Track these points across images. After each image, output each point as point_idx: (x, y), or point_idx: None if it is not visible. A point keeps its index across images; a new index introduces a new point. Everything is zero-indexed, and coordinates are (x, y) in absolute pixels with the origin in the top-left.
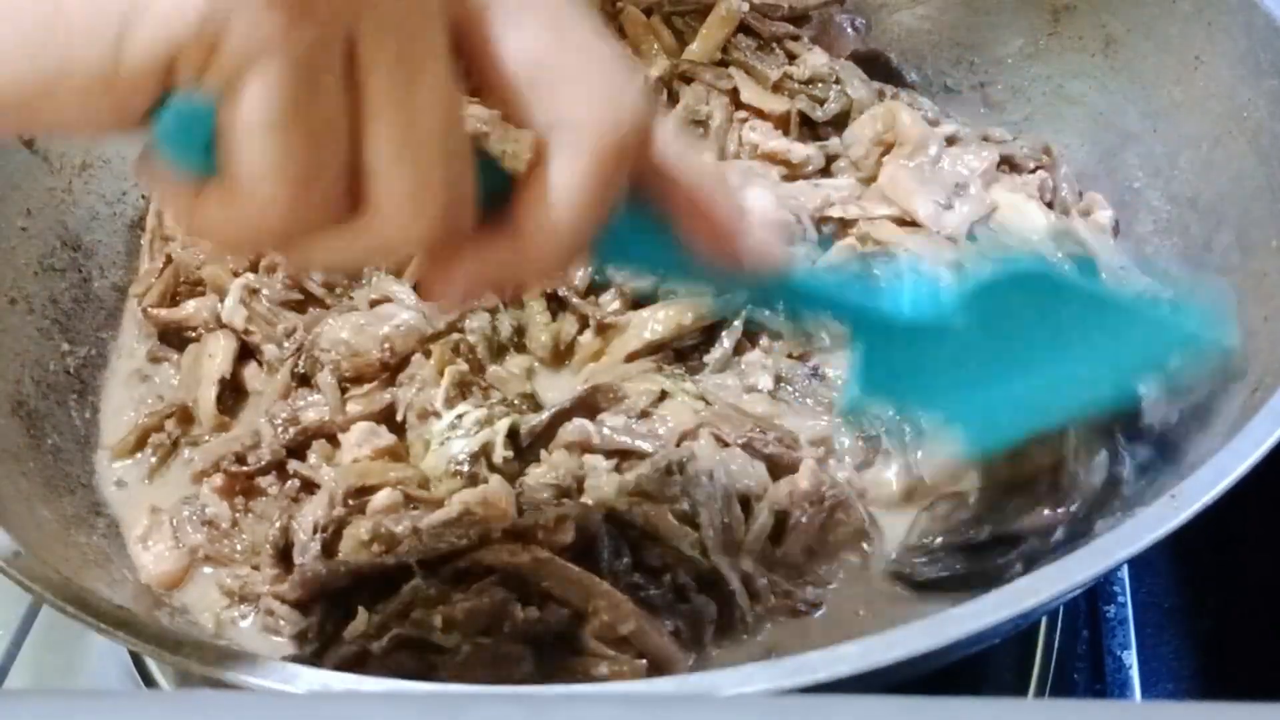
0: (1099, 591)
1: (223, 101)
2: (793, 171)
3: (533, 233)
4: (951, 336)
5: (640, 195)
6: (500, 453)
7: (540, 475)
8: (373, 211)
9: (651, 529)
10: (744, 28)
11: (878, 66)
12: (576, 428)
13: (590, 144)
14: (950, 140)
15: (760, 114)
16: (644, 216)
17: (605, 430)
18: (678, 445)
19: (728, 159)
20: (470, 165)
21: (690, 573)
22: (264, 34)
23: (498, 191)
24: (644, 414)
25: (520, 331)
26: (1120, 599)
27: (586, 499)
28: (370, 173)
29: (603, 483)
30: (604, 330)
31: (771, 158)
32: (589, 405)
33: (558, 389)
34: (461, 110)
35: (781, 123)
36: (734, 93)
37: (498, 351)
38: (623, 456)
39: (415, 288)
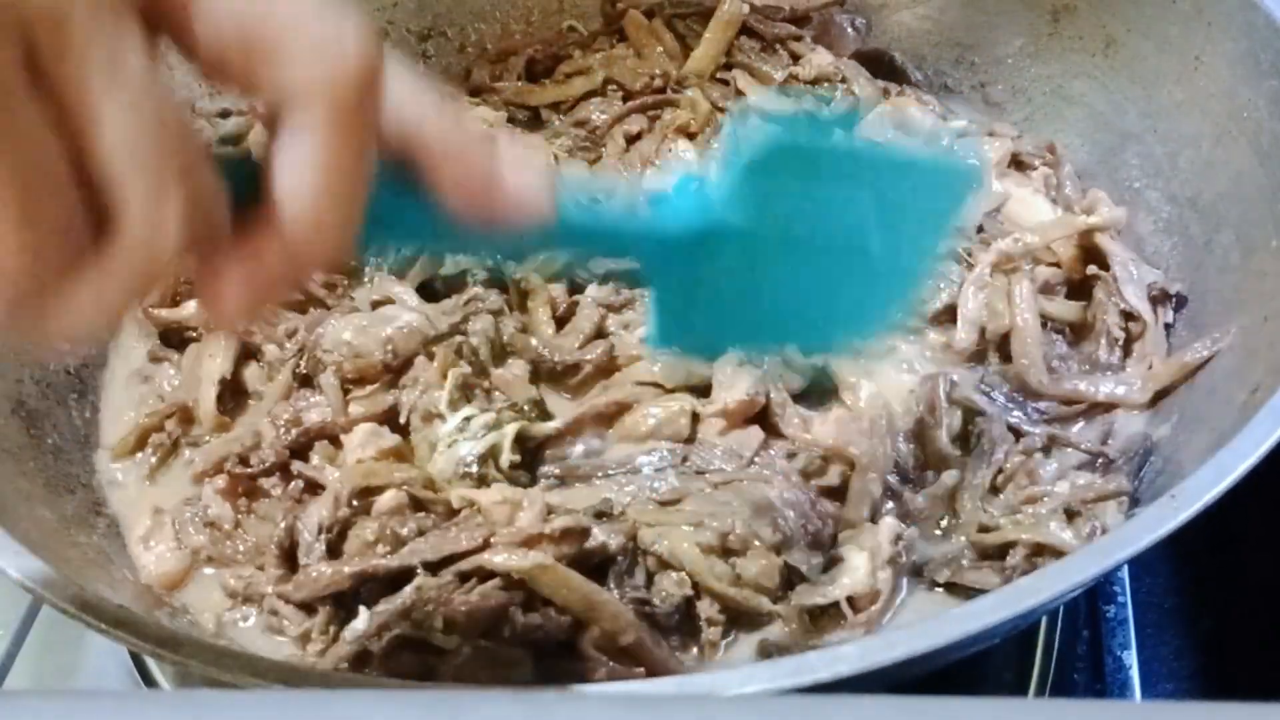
0: (1099, 591)
1: None
2: None
3: (290, 224)
4: (739, 242)
5: (386, 159)
6: (507, 457)
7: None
8: (115, 229)
9: (675, 560)
10: (746, 30)
11: (881, 65)
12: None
13: (320, 111)
14: (960, 135)
15: None
16: (396, 184)
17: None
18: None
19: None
20: (203, 153)
21: (718, 604)
22: None
23: (252, 189)
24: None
25: (525, 332)
26: (1120, 599)
27: (620, 523)
28: (103, 184)
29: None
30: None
31: None
32: (604, 418)
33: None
34: (173, 97)
35: None
36: (738, 95)
37: (500, 354)
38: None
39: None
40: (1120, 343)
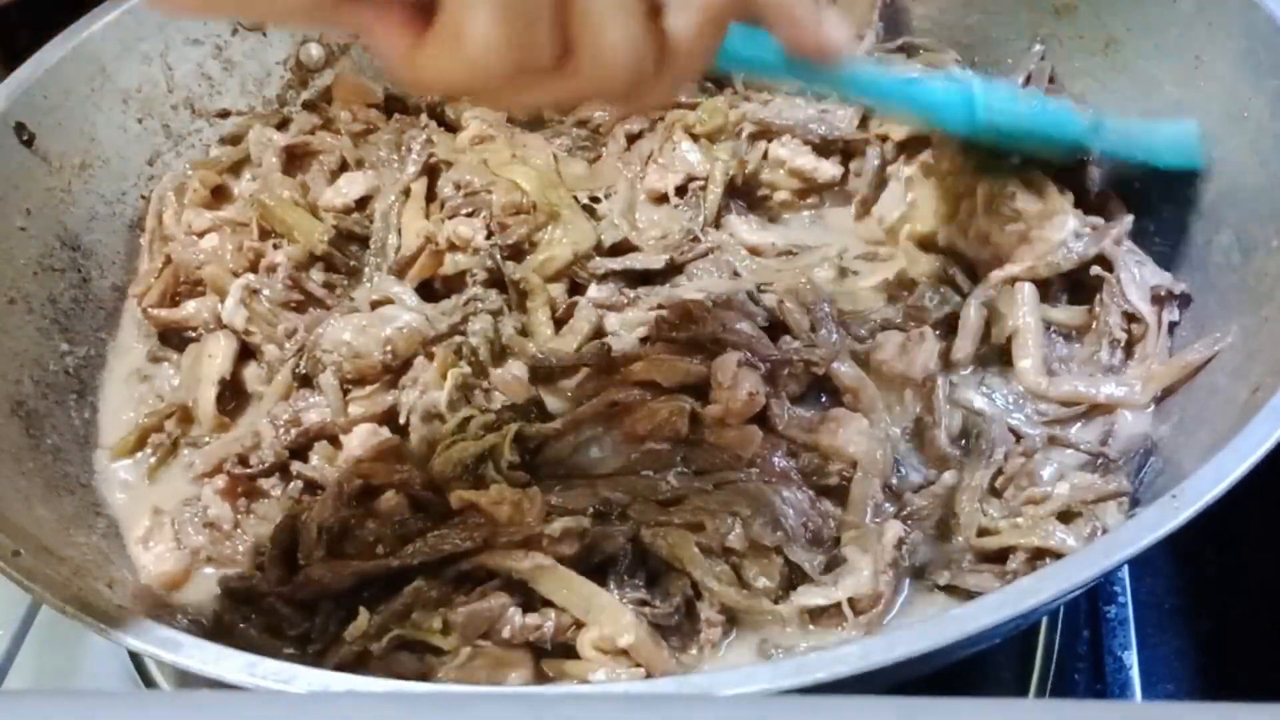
0: (1100, 592)
1: None
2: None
3: (670, 62)
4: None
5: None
6: (506, 458)
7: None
8: (578, 62)
9: (676, 561)
10: None
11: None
12: None
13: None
14: None
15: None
16: (750, 28)
17: None
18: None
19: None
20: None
21: (717, 604)
22: None
23: None
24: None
25: (525, 333)
26: (1121, 599)
27: (621, 524)
28: (580, 27)
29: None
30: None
31: (799, 175)
32: (604, 418)
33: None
34: None
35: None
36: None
37: (500, 354)
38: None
39: None
40: (1122, 344)
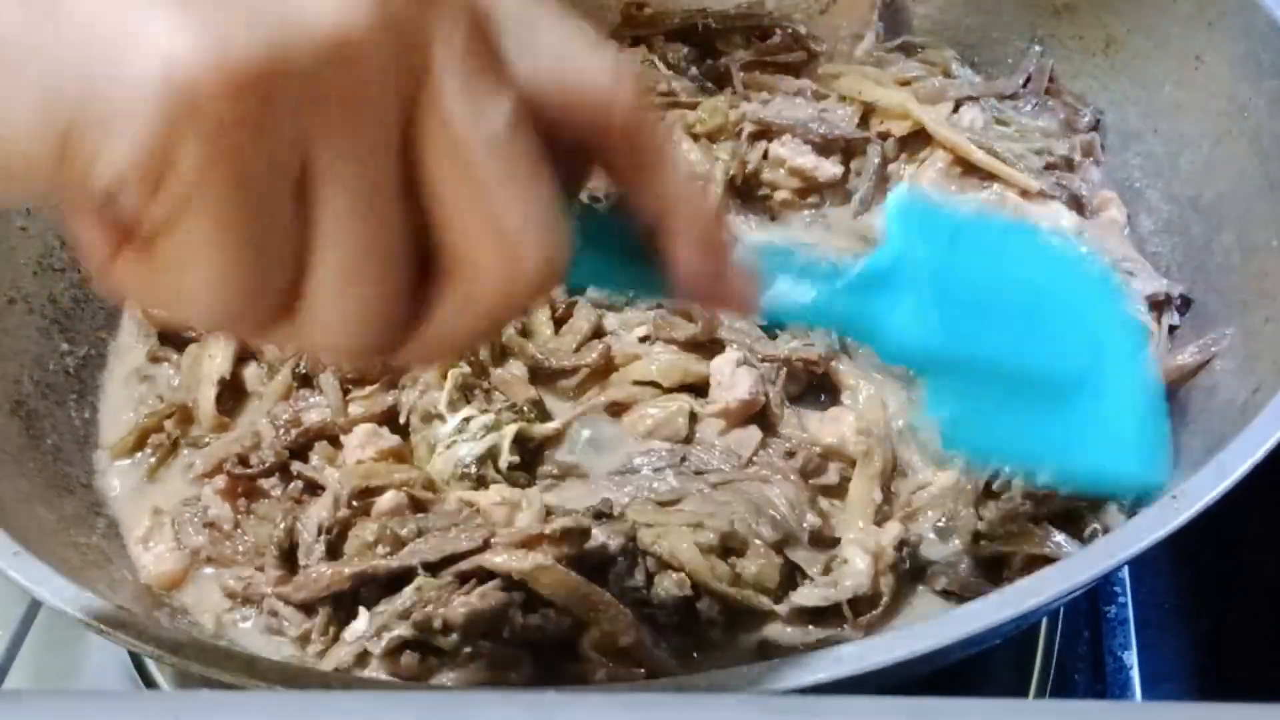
0: (1100, 592)
1: (165, 211)
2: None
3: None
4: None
5: (620, 208)
6: (506, 458)
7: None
8: (307, 319)
9: (675, 560)
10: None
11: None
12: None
13: (481, 299)
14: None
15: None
16: (618, 234)
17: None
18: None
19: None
20: (403, 286)
21: (717, 604)
22: (219, 153)
23: None
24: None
25: (525, 334)
26: (1121, 599)
27: (620, 524)
28: (310, 291)
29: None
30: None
31: (799, 174)
32: (604, 418)
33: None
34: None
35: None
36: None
37: (500, 354)
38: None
39: None
40: None
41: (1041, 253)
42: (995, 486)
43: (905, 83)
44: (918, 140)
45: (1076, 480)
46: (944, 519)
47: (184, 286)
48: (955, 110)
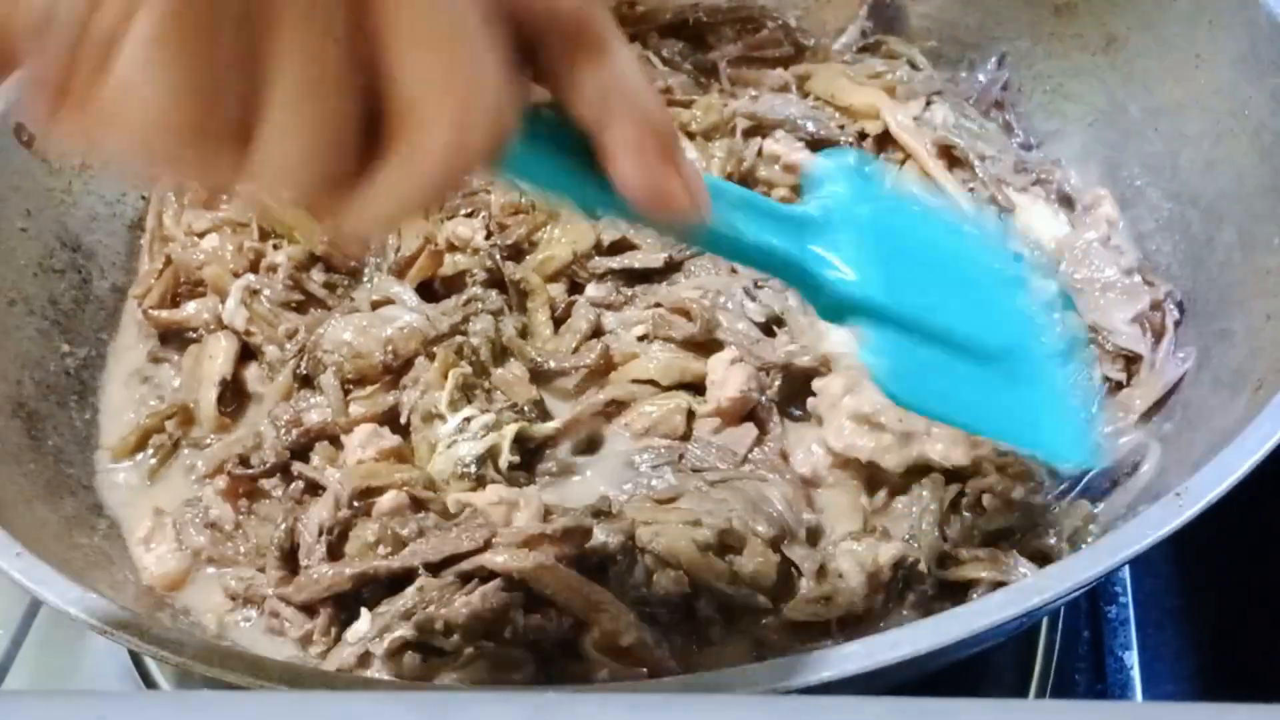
0: (1100, 591)
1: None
2: None
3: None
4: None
5: (566, 111)
6: (507, 458)
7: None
8: (257, 149)
9: (673, 558)
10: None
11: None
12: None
13: (428, 151)
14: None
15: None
16: (564, 135)
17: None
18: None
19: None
20: (353, 122)
21: (715, 602)
22: None
23: None
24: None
25: (525, 334)
26: (1122, 599)
27: (619, 522)
28: (262, 116)
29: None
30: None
31: (793, 170)
32: (604, 416)
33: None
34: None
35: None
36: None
37: (500, 354)
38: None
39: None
40: (1124, 375)
41: (964, 235)
42: (963, 504)
43: (875, 76)
44: (891, 139)
45: (1006, 440)
46: (909, 534)
47: (131, 118)
48: (927, 106)
